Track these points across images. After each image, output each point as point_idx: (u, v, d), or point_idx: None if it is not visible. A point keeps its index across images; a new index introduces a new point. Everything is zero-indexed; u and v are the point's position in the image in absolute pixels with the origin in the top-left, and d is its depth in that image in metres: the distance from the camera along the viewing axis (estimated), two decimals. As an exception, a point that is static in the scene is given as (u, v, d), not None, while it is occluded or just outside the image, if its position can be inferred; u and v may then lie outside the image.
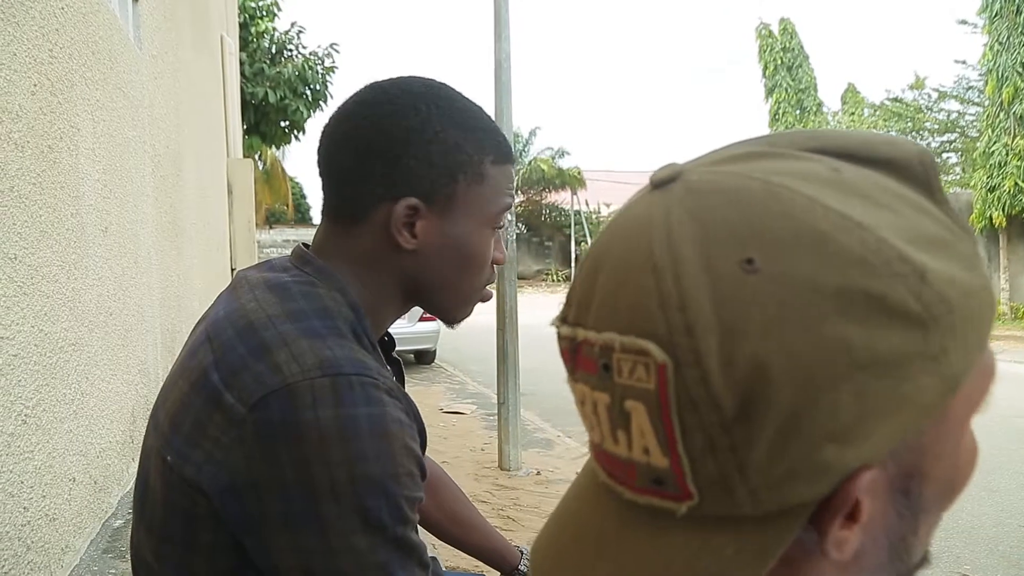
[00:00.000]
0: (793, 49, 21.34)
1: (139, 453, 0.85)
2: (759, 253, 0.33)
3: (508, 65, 5.16)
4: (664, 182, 0.37)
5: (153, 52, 3.32)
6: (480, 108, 0.89)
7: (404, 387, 0.96)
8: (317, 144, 0.88)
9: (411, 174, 0.81)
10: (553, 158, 31.60)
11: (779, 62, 21.14)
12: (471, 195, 0.84)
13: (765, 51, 21.35)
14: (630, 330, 0.34)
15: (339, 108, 0.87)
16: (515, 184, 0.94)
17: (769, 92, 21.40)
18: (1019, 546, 4.02)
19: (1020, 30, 12.64)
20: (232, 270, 7.87)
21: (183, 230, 4.01)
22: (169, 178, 3.57)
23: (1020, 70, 12.70)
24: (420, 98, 0.83)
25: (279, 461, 0.70)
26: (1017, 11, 12.63)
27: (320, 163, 0.87)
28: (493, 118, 0.86)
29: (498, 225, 0.89)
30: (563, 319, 0.40)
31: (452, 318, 0.93)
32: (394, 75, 0.88)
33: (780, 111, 21.08)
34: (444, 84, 0.88)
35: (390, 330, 0.95)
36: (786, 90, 21.05)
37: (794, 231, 0.33)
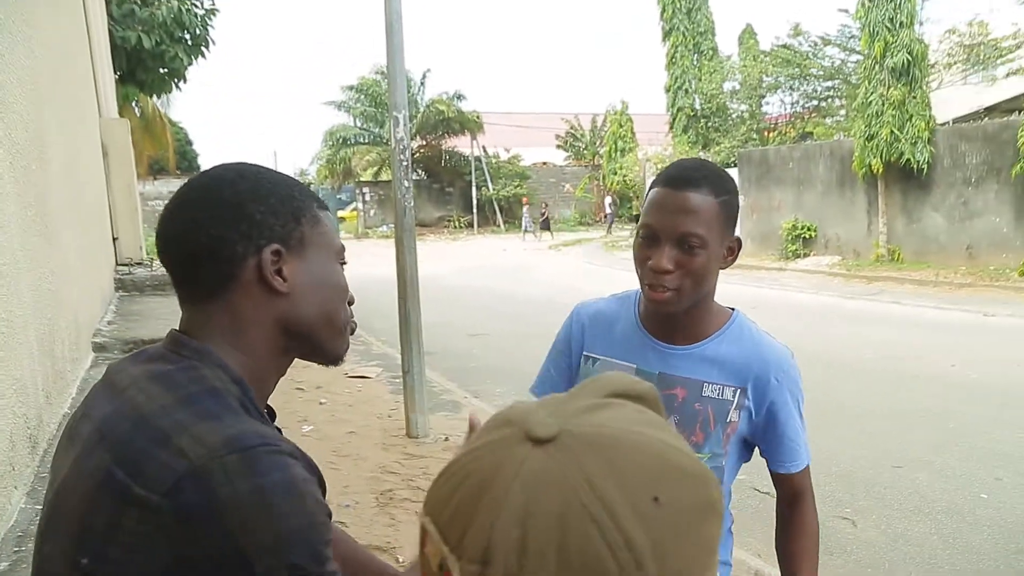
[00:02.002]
0: (694, -8, 21.40)
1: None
2: (660, 491, 0.43)
3: (400, 27, 4.97)
4: (550, 438, 0.44)
5: (-3, 27, 2.96)
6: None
7: None
8: (157, 248, 0.93)
9: (263, 225, 0.89)
10: (451, 101, 30.97)
11: (677, 5, 21.21)
12: (316, 235, 0.94)
13: (664, -8, 21.36)
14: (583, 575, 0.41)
15: (172, 202, 0.92)
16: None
17: (666, 35, 21.51)
18: (893, 486, 4.35)
19: (887, -13, 13.37)
20: (114, 240, 7.42)
21: (52, 217, 3.69)
22: (31, 166, 3.25)
23: (889, 25, 13.45)
24: (238, 171, 0.93)
25: (206, 538, 0.74)
26: None
27: (167, 257, 0.92)
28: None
29: (342, 260, 0.99)
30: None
31: (335, 355, 0.99)
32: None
33: (677, 54, 21.27)
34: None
35: None
36: (683, 33, 21.19)
37: (669, 468, 0.45)
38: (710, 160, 1.39)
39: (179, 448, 0.75)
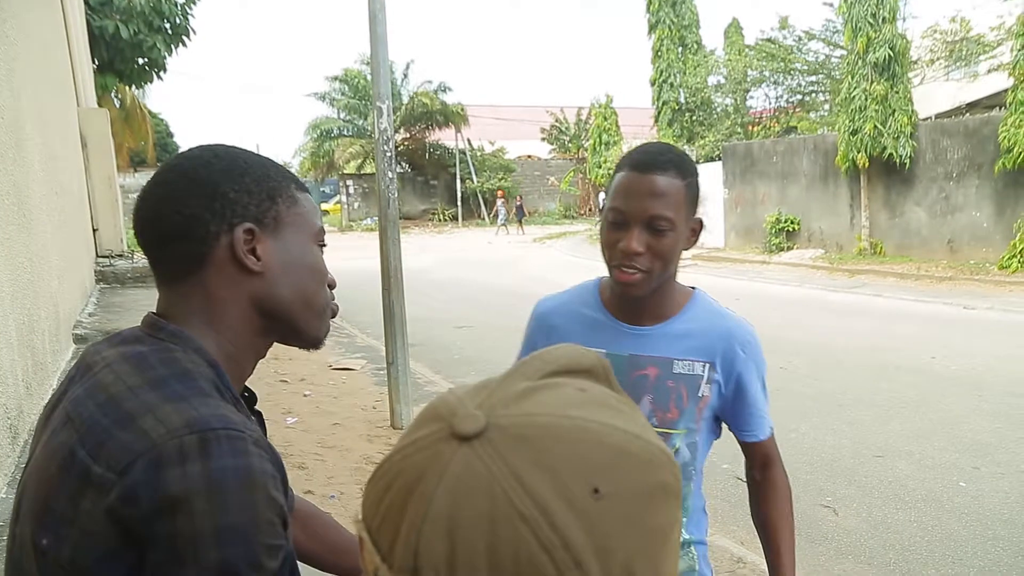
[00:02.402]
0: (677, -17, 21.36)
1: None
2: (599, 481, 0.40)
3: (383, 17, 4.94)
4: (475, 435, 0.41)
5: (-26, 13, 2.89)
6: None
7: (266, 436, 1.01)
8: (134, 230, 0.92)
9: (237, 203, 0.88)
10: (436, 92, 30.85)
11: (663, -3, 21.16)
12: (293, 215, 0.93)
13: (650, -16, 21.32)
14: None
15: (149, 182, 0.92)
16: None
17: (652, 28, 21.48)
18: (874, 475, 4.40)
19: (869, -18, 13.52)
20: (95, 231, 7.33)
21: (30, 206, 3.64)
22: (8, 154, 3.19)
23: (871, 21, 13.59)
24: (214, 150, 0.92)
25: (150, 519, 0.72)
26: None
27: (142, 238, 0.90)
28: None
29: (322, 243, 0.97)
30: None
31: (314, 337, 0.98)
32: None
33: (663, 48, 21.25)
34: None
35: None
36: (669, 27, 21.19)
37: (610, 454, 0.42)
38: (681, 150, 1.38)
39: (142, 429, 0.74)
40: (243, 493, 0.73)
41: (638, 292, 1.35)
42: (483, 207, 32.90)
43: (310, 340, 0.98)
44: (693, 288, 1.48)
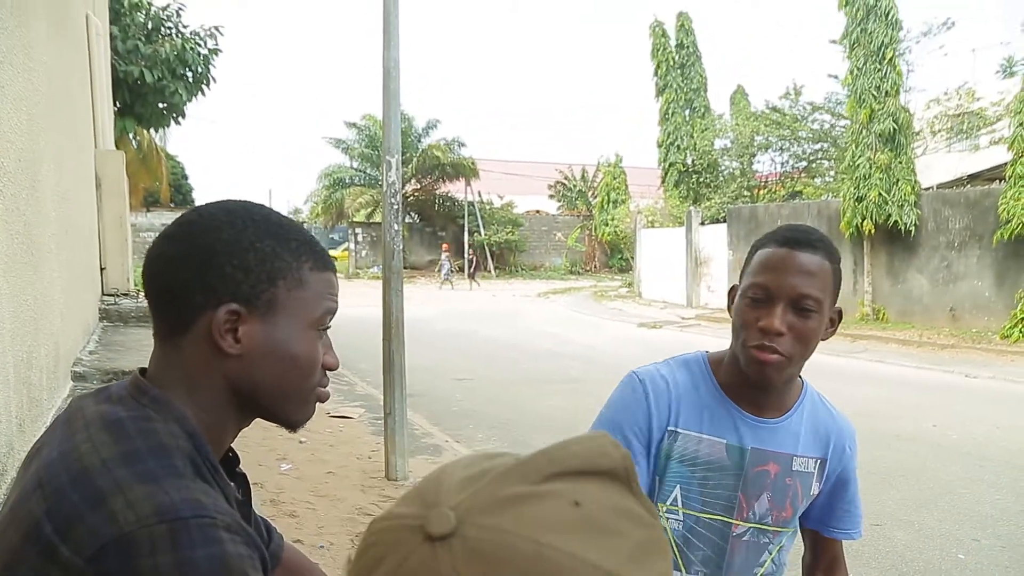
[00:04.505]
0: (687, 47, 21.83)
1: None
2: None
3: (396, 73, 5.07)
4: (444, 536, 0.43)
5: (-1, 57, 3.00)
6: (297, 223, 0.95)
7: (250, 500, 1.01)
8: (142, 269, 0.92)
9: (229, 280, 0.86)
10: (450, 147, 31.36)
11: (671, 61, 21.62)
12: (293, 299, 0.89)
13: (658, 50, 21.82)
14: None
15: (162, 232, 0.91)
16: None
17: (660, 91, 21.92)
18: (871, 544, 4.33)
19: (874, 58, 14.07)
20: (102, 270, 7.42)
21: (40, 245, 3.70)
22: (22, 194, 3.27)
23: (875, 93, 14.07)
24: (235, 214, 0.89)
25: None
26: (870, 41, 14.05)
27: (144, 286, 0.91)
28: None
29: (323, 327, 0.93)
30: None
31: (291, 422, 0.96)
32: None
33: (670, 111, 21.66)
34: (262, 204, 0.94)
35: None
36: (676, 90, 21.61)
37: None
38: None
39: (111, 512, 0.73)
40: None
41: (772, 377, 1.27)
42: (490, 260, 33.12)
43: (286, 424, 0.96)
44: (802, 379, 1.42)
